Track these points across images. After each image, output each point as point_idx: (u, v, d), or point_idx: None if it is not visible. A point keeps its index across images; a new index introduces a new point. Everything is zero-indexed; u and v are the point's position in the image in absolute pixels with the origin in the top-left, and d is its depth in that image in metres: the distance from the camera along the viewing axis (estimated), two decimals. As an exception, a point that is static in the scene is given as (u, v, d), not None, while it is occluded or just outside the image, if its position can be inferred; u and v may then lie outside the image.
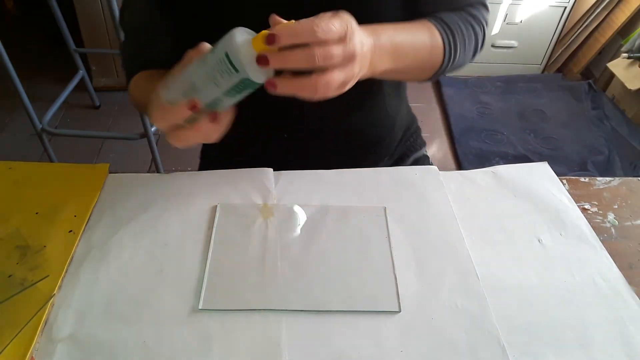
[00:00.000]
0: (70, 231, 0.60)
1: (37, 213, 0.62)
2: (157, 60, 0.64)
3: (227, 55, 0.42)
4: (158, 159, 1.73)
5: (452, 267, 0.57)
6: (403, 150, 0.87)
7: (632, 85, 2.03)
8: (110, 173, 0.69)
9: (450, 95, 2.29)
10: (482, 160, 1.95)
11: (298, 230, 0.61)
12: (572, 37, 2.34)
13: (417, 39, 0.59)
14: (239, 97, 0.47)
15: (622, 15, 2.15)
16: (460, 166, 1.93)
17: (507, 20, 2.27)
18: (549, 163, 0.73)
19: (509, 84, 2.39)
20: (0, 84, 1.64)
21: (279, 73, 0.46)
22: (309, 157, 0.74)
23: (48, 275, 0.55)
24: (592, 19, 2.25)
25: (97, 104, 2.16)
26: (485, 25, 0.68)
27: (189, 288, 0.55)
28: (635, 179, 0.73)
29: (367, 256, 0.58)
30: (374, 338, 0.50)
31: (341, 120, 0.73)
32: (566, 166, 1.93)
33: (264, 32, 0.42)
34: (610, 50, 2.30)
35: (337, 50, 0.43)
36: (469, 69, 2.42)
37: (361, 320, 0.52)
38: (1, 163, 0.70)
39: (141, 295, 0.54)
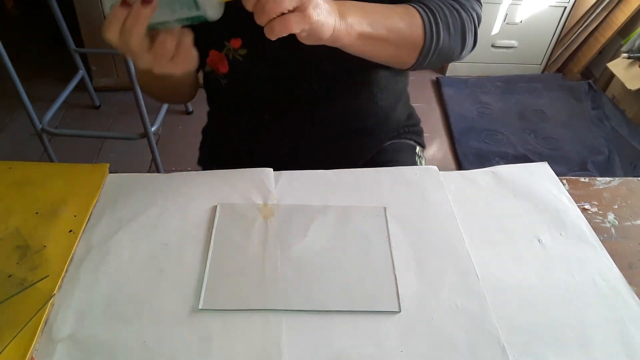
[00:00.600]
0: (70, 231, 0.60)
1: (37, 213, 0.62)
2: None
3: None
4: (158, 159, 1.73)
5: (452, 267, 0.58)
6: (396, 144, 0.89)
7: (632, 85, 2.03)
8: (110, 173, 0.69)
9: (450, 95, 2.29)
10: (482, 160, 1.95)
11: (298, 231, 0.61)
12: (572, 37, 2.34)
13: (391, 9, 0.60)
14: (183, 25, 0.50)
15: (622, 15, 2.15)
16: (460, 166, 1.93)
17: (507, 20, 2.27)
18: (549, 163, 0.73)
19: (509, 84, 2.39)
20: (0, 84, 1.64)
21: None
22: (304, 138, 0.76)
23: (48, 275, 0.55)
24: (592, 19, 2.25)
25: (97, 104, 2.16)
26: (475, 16, 0.67)
27: (189, 288, 0.55)
28: (635, 179, 0.73)
29: (367, 256, 0.58)
30: (374, 338, 0.50)
31: (332, 105, 0.74)
32: (566, 166, 1.93)
33: None
34: (610, 50, 2.30)
35: None
36: (469, 69, 2.42)
37: (361, 320, 0.52)
38: (1, 163, 0.70)
39: (141, 295, 0.54)
